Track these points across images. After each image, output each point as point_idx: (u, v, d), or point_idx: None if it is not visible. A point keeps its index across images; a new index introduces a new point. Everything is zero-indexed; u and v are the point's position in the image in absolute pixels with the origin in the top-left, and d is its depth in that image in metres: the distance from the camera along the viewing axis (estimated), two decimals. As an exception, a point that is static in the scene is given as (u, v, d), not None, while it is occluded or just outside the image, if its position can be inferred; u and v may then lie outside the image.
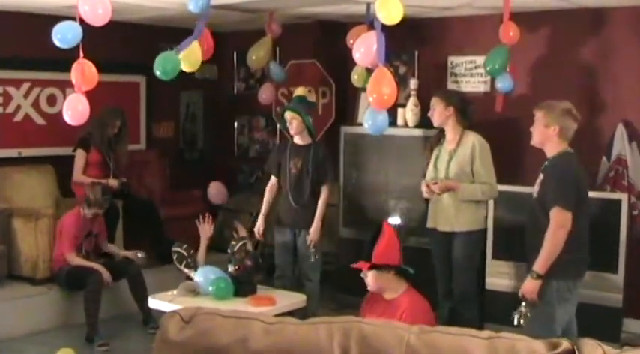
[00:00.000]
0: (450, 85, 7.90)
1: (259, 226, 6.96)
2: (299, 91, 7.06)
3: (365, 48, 5.21)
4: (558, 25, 7.22)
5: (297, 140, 6.76)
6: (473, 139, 6.14)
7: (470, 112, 6.27)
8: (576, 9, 7.00)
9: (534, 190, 5.16)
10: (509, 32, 6.50)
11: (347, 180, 7.91)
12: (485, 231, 6.41)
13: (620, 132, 6.77)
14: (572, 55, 7.18)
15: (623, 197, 6.41)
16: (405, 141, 7.48)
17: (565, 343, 2.01)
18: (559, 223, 4.85)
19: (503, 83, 6.72)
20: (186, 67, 6.16)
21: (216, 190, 8.51)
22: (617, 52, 6.97)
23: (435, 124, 6.30)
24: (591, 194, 6.43)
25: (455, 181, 6.10)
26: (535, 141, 5.13)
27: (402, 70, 8.21)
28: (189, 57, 6.14)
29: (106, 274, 6.91)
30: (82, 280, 6.88)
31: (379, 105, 5.20)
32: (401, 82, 8.01)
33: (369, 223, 7.57)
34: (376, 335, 2.08)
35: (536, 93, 7.10)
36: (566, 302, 5.03)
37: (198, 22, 6.11)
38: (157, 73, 6.03)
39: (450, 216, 6.18)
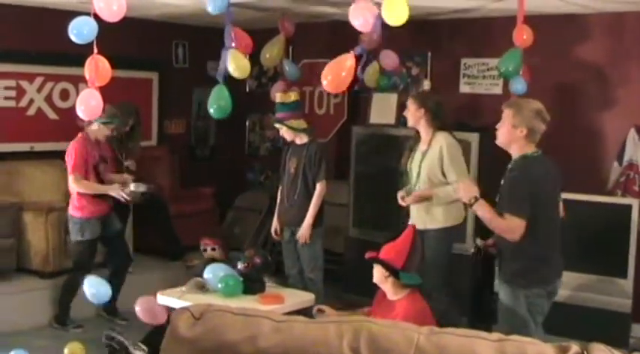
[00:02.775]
0: (463, 87, 7.90)
1: (275, 225, 7.05)
2: (277, 97, 7.08)
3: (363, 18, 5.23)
4: (571, 29, 7.20)
5: (296, 141, 6.89)
6: (442, 139, 6.16)
7: (442, 114, 6.27)
8: (590, 13, 6.98)
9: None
10: (523, 35, 6.48)
11: (358, 179, 7.90)
12: (457, 227, 6.33)
13: (632, 137, 6.76)
14: (584, 59, 7.16)
15: (634, 202, 6.39)
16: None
17: (575, 348, 2.01)
18: (509, 227, 4.69)
19: (517, 86, 6.71)
20: (238, 75, 6.22)
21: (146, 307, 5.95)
22: (629, 57, 6.94)
23: (409, 124, 6.37)
24: (601, 199, 6.46)
25: (427, 187, 6.14)
26: (500, 140, 4.91)
27: (415, 71, 8.19)
28: (237, 64, 6.18)
29: (118, 193, 6.76)
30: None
31: (333, 88, 5.29)
32: (413, 83, 8.02)
33: (378, 223, 7.58)
34: (386, 336, 2.08)
35: (548, 96, 7.07)
36: (539, 306, 4.85)
37: (226, 28, 6.13)
38: (211, 111, 6.13)
39: (422, 214, 6.22)
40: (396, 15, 5.07)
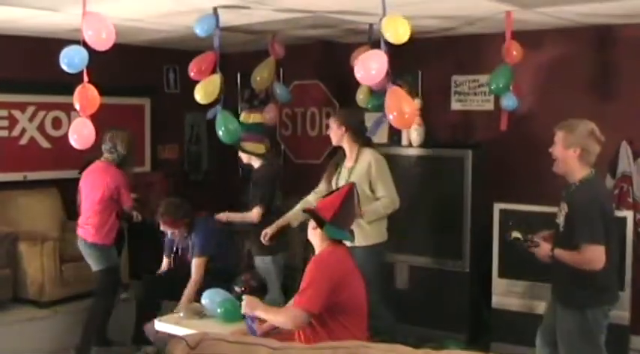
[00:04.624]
0: (454, 104, 7.92)
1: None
2: (241, 117, 7.15)
3: (364, 71, 5.26)
4: (562, 43, 7.23)
5: (253, 164, 7.02)
6: (369, 155, 6.22)
7: (365, 131, 6.39)
8: (579, 27, 7.00)
9: (559, 220, 4.94)
10: (513, 51, 6.51)
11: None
12: (385, 243, 6.31)
13: (625, 149, 6.77)
14: (575, 73, 7.18)
15: (628, 214, 6.40)
16: (409, 160, 7.48)
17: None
18: (590, 258, 4.67)
19: (508, 102, 6.73)
20: (203, 100, 6.40)
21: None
22: (620, 70, 6.96)
23: (333, 142, 6.44)
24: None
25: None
26: (556, 167, 4.91)
27: (406, 89, 8.19)
28: (207, 88, 6.29)
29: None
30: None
31: (401, 124, 5.27)
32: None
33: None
34: (382, 359, 2.08)
35: (540, 111, 7.11)
36: (605, 328, 4.88)
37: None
38: (220, 134, 6.55)
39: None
40: (398, 33, 5.11)
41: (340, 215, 4.75)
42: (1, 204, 7.62)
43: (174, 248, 7.03)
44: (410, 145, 7.56)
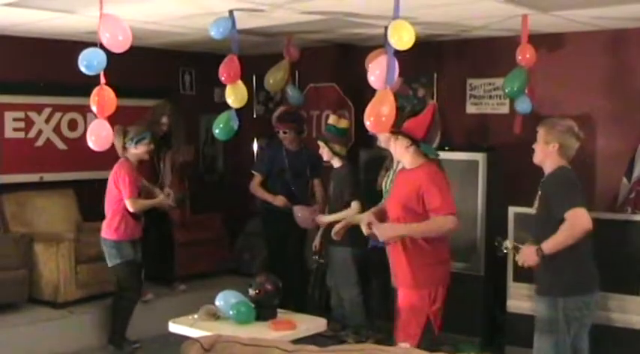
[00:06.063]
0: (470, 107, 7.90)
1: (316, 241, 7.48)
2: (330, 119, 7.21)
3: (380, 71, 5.28)
4: (576, 46, 7.20)
5: (333, 164, 7.19)
6: None
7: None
8: (594, 30, 6.99)
9: (534, 207, 5.19)
10: (527, 54, 6.50)
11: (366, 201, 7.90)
12: None
13: (640, 153, 6.74)
14: (590, 76, 7.15)
15: (644, 219, 6.36)
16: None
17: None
18: (576, 221, 4.80)
19: (522, 105, 6.73)
20: (235, 104, 6.53)
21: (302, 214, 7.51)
22: (636, 73, 6.94)
23: (382, 145, 6.36)
24: (612, 216, 6.43)
25: None
26: (536, 158, 5.15)
27: (421, 92, 8.20)
28: (236, 94, 6.41)
29: (167, 201, 7.45)
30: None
31: (377, 127, 5.29)
32: (419, 104, 8.02)
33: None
34: (396, 362, 2.08)
35: (555, 114, 7.08)
36: (575, 321, 4.98)
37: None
38: (216, 132, 6.72)
39: None
40: (403, 39, 5.11)
41: (430, 133, 5.27)
42: (18, 205, 7.66)
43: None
44: (424, 147, 7.55)
